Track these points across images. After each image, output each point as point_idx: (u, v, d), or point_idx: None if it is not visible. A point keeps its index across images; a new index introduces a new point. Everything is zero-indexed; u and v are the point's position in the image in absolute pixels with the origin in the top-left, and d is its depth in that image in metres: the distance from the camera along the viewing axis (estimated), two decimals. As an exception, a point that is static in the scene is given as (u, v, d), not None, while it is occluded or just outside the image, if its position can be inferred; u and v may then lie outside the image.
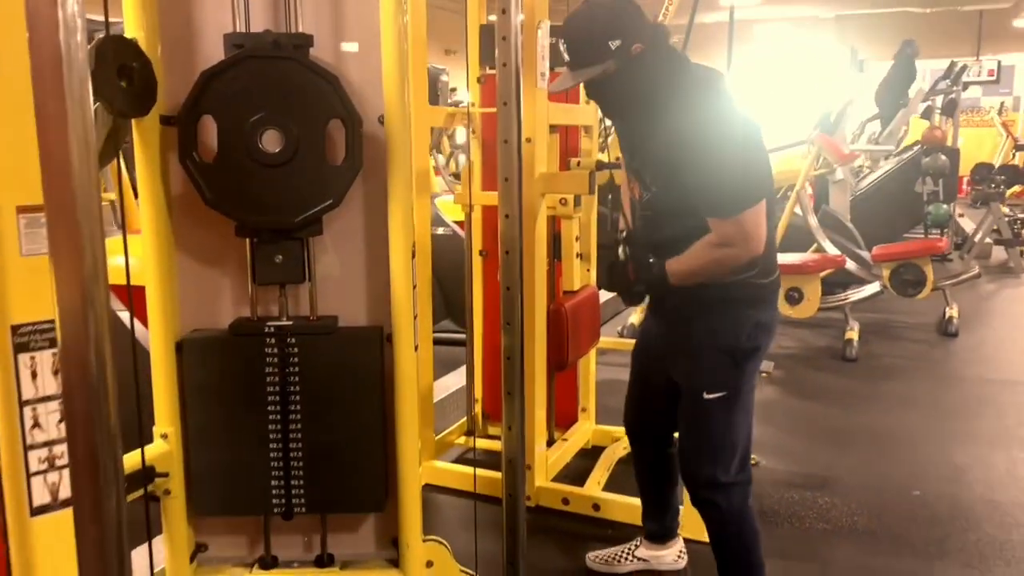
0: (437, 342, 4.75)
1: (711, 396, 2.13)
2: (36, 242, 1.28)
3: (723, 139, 1.96)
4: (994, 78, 15.49)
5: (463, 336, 3.72)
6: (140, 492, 2.15)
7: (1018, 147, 13.66)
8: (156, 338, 2.16)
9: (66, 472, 1.34)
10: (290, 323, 2.16)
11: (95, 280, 1.16)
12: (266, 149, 2.02)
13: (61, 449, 1.36)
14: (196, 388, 2.17)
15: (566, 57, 2.08)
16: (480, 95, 3.32)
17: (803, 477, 3.38)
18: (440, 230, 5.23)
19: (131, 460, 2.11)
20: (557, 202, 3.06)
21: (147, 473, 2.13)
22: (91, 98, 1.18)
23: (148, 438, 2.19)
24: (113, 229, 3.76)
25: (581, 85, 2.27)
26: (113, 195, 4.20)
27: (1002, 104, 15.20)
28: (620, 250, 2.21)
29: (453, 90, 5.49)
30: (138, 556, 2.39)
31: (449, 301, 5.38)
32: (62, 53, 1.13)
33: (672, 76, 2.04)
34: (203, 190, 2.03)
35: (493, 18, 2.38)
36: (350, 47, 2.13)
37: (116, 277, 3.30)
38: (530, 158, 2.96)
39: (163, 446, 2.18)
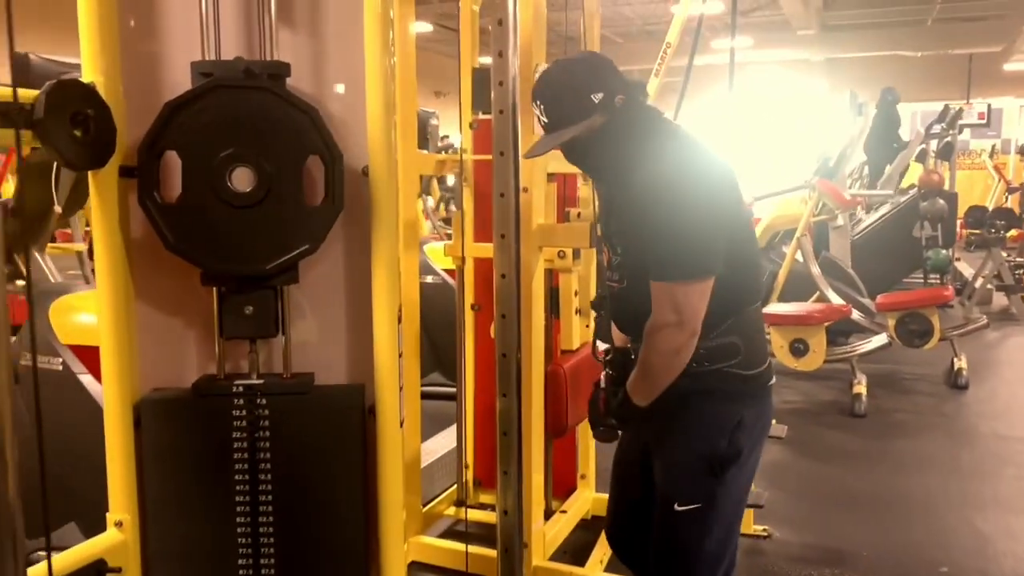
0: (425, 396, 4.53)
1: (683, 508, 1.86)
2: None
3: (691, 199, 1.74)
4: (984, 121, 15.53)
5: (453, 390, 3.50)
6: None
7: (1011, 190, 13.66)
8: (111, 405, 1.92)
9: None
10: (261, 381, 1.92)
11: None
12: (236, 188, 1.79)
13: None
14: (156, 456, 1.92)
15: (543, 120, 1.87)
16: (472, 141, 3.13)
17: (818, 551, 3.14)
18: (429, 278, 5.03)
19: (80, 553, 1.88)
20: (555, 255, 2.85)
21: (96, 568, 1.89)
22: None
23: (100, 514, 1.96)
24: (81, 283, 3.55)
25: None
26: (82, 246, 3.99)
27: (993, 147, 15.22)
28: (602, 375, 2.02)
29: (445, 137, 5.33)
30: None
31: (438, 353, 5.16)
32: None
33: (650, 130, 1.85)
34: (164, 234, 1.80)
35: (485, 60, 2.20)
36: (332, 81, 1.93)
37: (83, 337, 3.04)
38: (527, 209, 2.75)
39: (116, 535, 1.93)
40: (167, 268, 1.87)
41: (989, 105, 15.65)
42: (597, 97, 1.78)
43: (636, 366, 1.85)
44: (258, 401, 1.91)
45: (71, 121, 1.74)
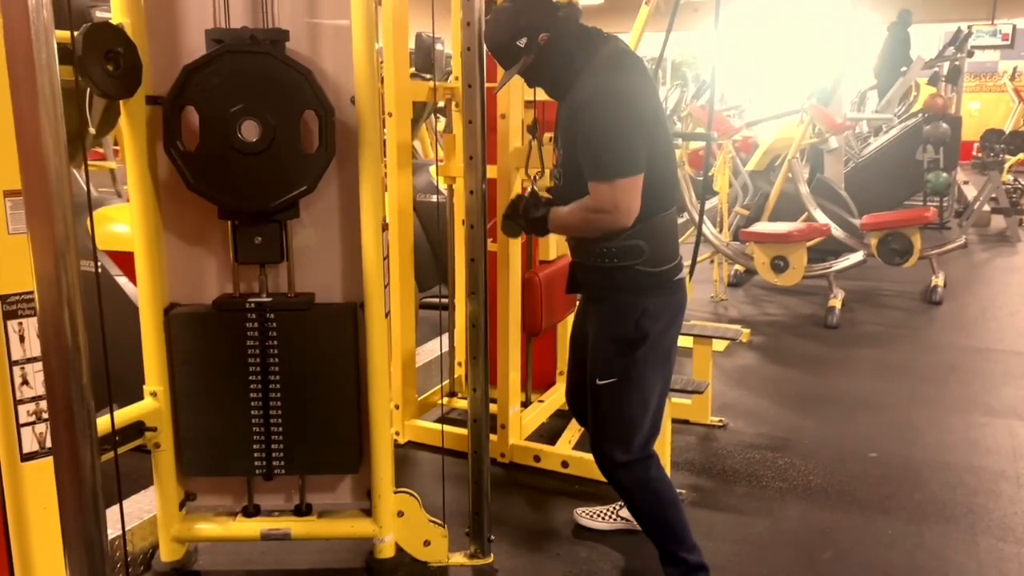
0: (428, 306, 4.95)
1: (602, 382, 2.27)
2: (21, 222, 1.45)
3: (612, 110, 2.09)
4: (1008, 42, 15.36)
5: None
6: (132, 444, 2.36)
7: (1030, 113, 13.58)
8: (145, 305, 2.35)
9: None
10: (270, 299, 2.35)
11: (66, 255, 1.33)
12: (245, 138, 2.19)
13: (46, 405, 1.54)
14: (183, 358, 2.37)
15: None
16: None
17: (767, 439, 3.55)
18: (434, 197, 5.37)
19: (124, 415, 2.33)
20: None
21: (137, 427, 2.34)
22: (60, 97, 1.34)
23: (135, 400, 2.39)
24: (114, 197, 3.94)
25: None
26: (114, 164, 4.37)
27: (1015, 69, 15.02)
28: (530, 187, 2.42)
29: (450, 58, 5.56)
30: (132, 504, 2.62)
31: (443, 267, 5.54)
32: (34, 58, 1.31)
33: (581, 55, 2.19)
34: (186, 176, 2.21)
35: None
36: (323, 37, 2.28)
37: (118, 243, 3.46)
38: (504, 133, 3.12)
39: (152, 403, 2.38)
40: (189, 202, 2.27)
41: (1014, 26, 15.48)
42: (522, 42, 2.18)
43: (568, 211, 2.22)
44: (268, 316, 2.34)
45: (104, 57, 2.11)
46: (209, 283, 2.42)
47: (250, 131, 2.19)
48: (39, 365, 1.53)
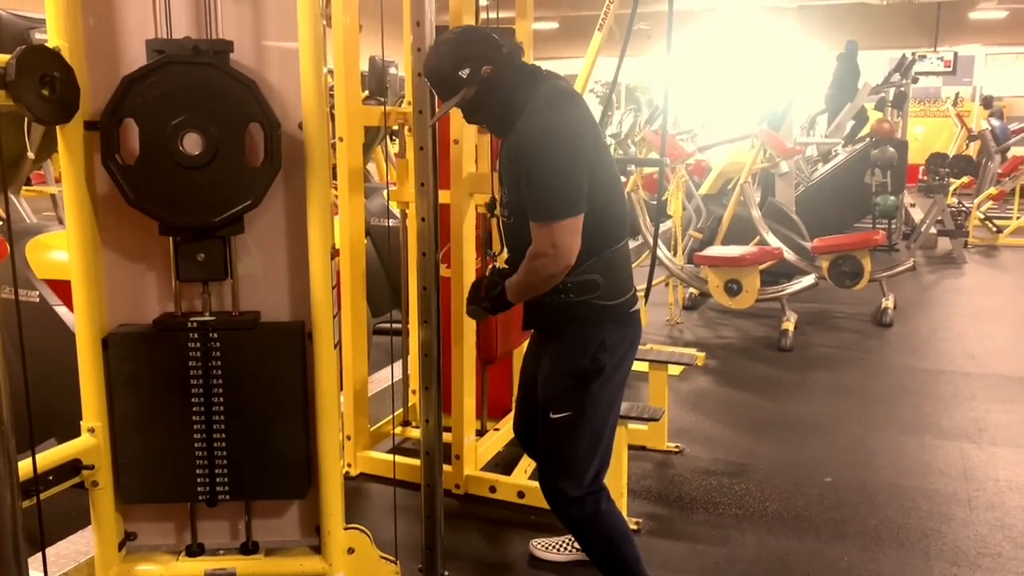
0: (380, 332, 4.87)
1: (556, 416, 2.22)
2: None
3: (551, 150, 2.05)
4: (950, 69, 15.81)
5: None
6: (70, 483, 2.25)
7: (971, 137, 13.96)
8: (82, 334, 2.25)
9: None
10: (212, 318, 2.26)
11: None
12: (187, 151, 2.11)
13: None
14: (122, 381, 2.27)
15: (435, 92, 2.22)
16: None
17: (723, 464, 3.54)
18: (390, 222, 5.32)
19: (60, 453, 2.22)
20: (485, 200, 3.16)
21: (73, 465, 2.23)
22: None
23: (76, 431, 2.29)
24: (55, 224, 3.82)
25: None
26: (55, 189, 4.24)
27: (957, 95, 15.47)
28: (490, 267, 2.37)
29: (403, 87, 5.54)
30: (68, 545, 2.50)
31: (397, 292, 5.48)
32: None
33: (523, 92, 2.16)
34: (126, 191, 2.12)
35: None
36: (270, 52, 2.22)
37: (57, 272, 3.35)
38: (458, 159, 3.08)
39: (90, 440, 2.28)
40: (129, 219, 2.18)
41: (956, 53, 15.97)
42: (464, 73, 2.12)
43: (516, 274, 2.19)
44: (211, 335, 2.25)
45: (40, 82, 2.03)
46: (150, 303, 2.32)
47: (192, 144, 2.11)
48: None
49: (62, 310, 3.07)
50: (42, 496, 2.02)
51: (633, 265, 5.75)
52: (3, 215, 3.44)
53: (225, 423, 2.30)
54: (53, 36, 2.13)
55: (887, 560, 2.77)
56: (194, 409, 2.29)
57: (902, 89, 9.45)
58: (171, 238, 2.22)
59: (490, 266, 2.41)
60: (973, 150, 13.64)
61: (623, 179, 5.54)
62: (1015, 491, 3.26)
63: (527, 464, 3.34)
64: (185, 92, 2.09)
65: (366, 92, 5.21)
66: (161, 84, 2.08)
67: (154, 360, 2.28)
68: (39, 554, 1.83)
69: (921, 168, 13.65)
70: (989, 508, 3.13)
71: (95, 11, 2.17)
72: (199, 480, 2.31)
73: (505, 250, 2.39)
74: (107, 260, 2.28)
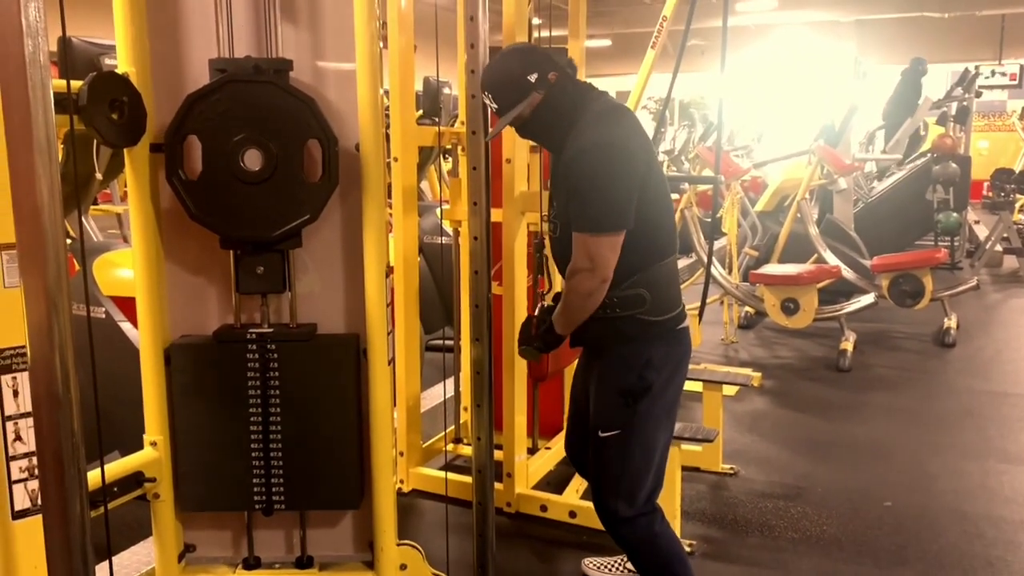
0: (433, 348, 4.91)
1: (606, 434, 2.21)
2: (14, 276, 1.43)
3: (601, 163, 2.05)
4: (1016, 82, 15.41)
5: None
6: (133, 495, 2.32)
7: (1039, 152, 13.55)
8: (146, 347, 2.33)
9: (43, 481, 1.49)
10: (271, 330, 2.32)
11: (58, 307, 1.32)
12: (247, 167, 2.18)
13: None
14: (183, 391, 2.34)
15: (493, 107, 2.21)
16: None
17: (779, 487, 3.48)
18: (443, 240, 5.37)
19: (123, 465, 2.29)
20: (538, 219, 3.18)
21: (136, 478, 2.30)
22: (56, 150, 1.34)
23: (139, 444, 2.36)
24: (120, 242, 3.95)
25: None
26: (121, 208, 4.39)
27: (1023, 108, 15.04)
28: (538, 306, 2.37)
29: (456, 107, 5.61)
30: (130, 555, 2.57)
31: (449, 309, 5.52)
32: (30, 112, 1.30)
33: (579, 105, 2.16)
34: (188, 206, 2.19)
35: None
36: (328, 72, 2.28)
37: (122, 289, 3.45)
38: (510, 178, 3.10)
39: (152, 453, 2.35)
40: (191, 233, 2.25)
41: (1021, 65, 15.55)
42: (532, 77, 2.13)
43: (560, 302, 2.20)
44: (269, 347, 2.31)
45: (109, 106, 2.11)
46: (211, 315, 2.39)
47: (253, 160, 2.17)
48: (32, 420, 1.50)
49: (126, 326, 3.16)
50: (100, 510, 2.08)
51: (687, 283, 5.71)
52: (74, 234, 3.58)
53: (281, 433, 2.34)
54: (123, 62, 2.22)
55: (949, 588, 2.70)
56: (251, 419, 2.34)
57: (964, 103, 9.25)
58: (232, 252, 2.29)
59: (539, 305, 2.41)
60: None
61: (676, 196, 5.52)
62: (1086, 519, 3.15)
63: (579, 483, 3.32)
64: (246, 109, 2.15)
65: (420, 112, 5.28)
66: (223, 102, 2.15)
67: (214, 371, 2.34)
68: (105, 563, 1.87)
69: (986, 184, 13.32)
70: (1058, 536, 3.02)
71: (161, 35, 2.26)
72: (255, 489, 2.36)
73: (552, 287, 2.40)
74: (170, 273, 2.36)
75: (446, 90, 5.55)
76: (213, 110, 2.14)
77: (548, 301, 2.41)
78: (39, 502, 1.53)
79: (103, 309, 3.20)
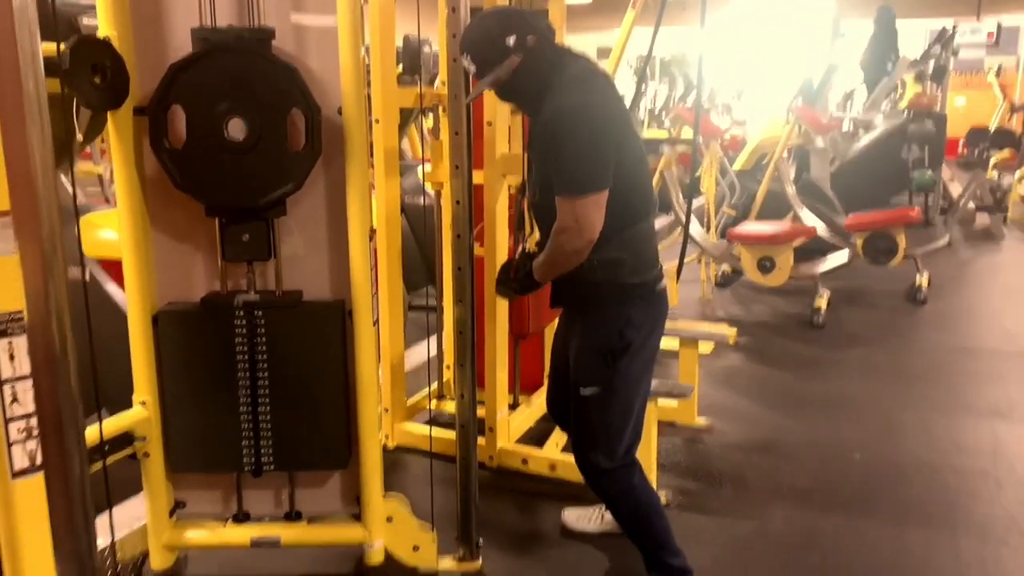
0: (416, 308, 4.96)
1: (586, 392, 2.30)
2: (10, 241, 1.46)
3: (578, 126, 2.09)
4: (993, 41, 15.46)
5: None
6: (123, 453, 2.37)
7: (1014, 110, 13.67)
8: (133, 311, 2.36)
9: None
10: (257, 297, 2.36)
11: (54, 272, 1.36)
12: (232, 136, 2.20)
13: (36, 421, 1.56)
14: (172, 357, 2.38)
15: (472, 69, 2.24)
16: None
17: (752, 440, 3.59)
18: (423, 199, 5.38)
19: (112, 425, 2.34)
20: (519, 181, 3.21)
21: (126, 437, 2.35)
22: (47, 117, 1.37)
23: (125, 404, 2.41)
24: (102, 203, 3.94)
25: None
26: (101, 168, 4.37)
27: (1000, 66, 15.10)
28: (519, 250, 2.42)
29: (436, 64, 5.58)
30: (121, 512, 2.63)
31: (431, 268, 5.56)
32: (21, 78, 1.32)
33: (557, 69, 2.20)
34: (173, 175, 2.22)
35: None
36: (309, 38, 2.29)
37: (105, 250, 3.46)
38: (491, 140, 3.13)
39: (142, 412, 2.40)
40: (177, 201, 2.27)
41: (999, 24, 15.58)
42: (511, 40, 2.16)
43: (542, 253, 2.26)
44: (256, 313, 2.35)
45: (91, 70, 2.12)
46: (197, 282, 2.42)
47: (237, 129, 2.19)
48: (29, 383, 1.55)
49: (111, 287, 3.18)
50: (97, 466, 2.13)
51: (665, 242, 5.76)
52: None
53: (269, 397, 2.40)
54: (103, 26, 2.22)
55: (914, 536, 2.82)
56: (240, 383, 2.39)
57: (942, 63, 9.29)
58: (217, 219, 2.32)
59: (520, 248, 2.47)
60: (1016, 123, 13.37)
61: (657, 157, 5.56)
62: (1045, 469, 3.28)
63: (559, 437, 3.41)
64: (229, 79, 2.16)
65: (399, 68, 5.25)
66: (206, 71, 2.16)
67: (202, 337, 2.38)
68: (104, 516, 1.93)
69: (961, 141, 13.43)
70: (1018, 486, 3.15)
71: (143, 1, 2.25)
72: (245, 451, 2.42)
73: (535, 231, 2.45)
74: (156, 240, 2.39)
75: (426, 48, 5.52)
76: (196, 79, 2.16)
77: (531, 246, 2.46)
78: (38, 461, 1.58)
79: (88, 271, 3.21)
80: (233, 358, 2.37)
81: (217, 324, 2.35)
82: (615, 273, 2.21)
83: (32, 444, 1.57)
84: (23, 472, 1.57)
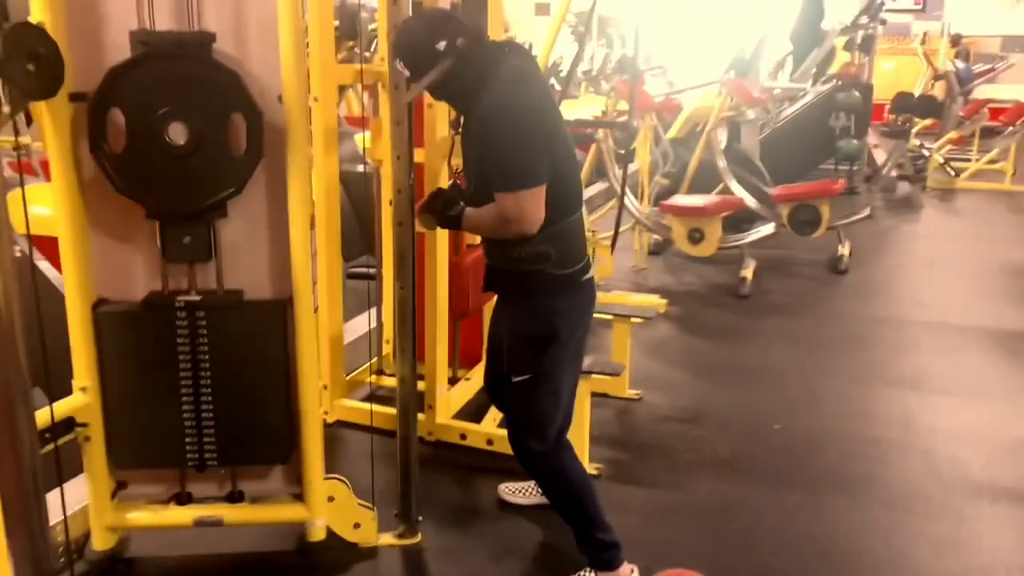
0: (354, 276, 4.98)
1: (517, 379, 2.40)
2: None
3: (513, 125, 2.16)
4: (920, 7, 15.87)
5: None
6: (64, 439, 2.38)
7: (937, 77, 14.07)
8: (72, 301, 2.36)
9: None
10: (198, 298, 2.37)
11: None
12: (172, 140, 2.20)
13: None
14: (112, 355, 2.40)
15: (406, 74, 2.29)
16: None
17: (680, 411, 3.75)
18: (361, 167, 5.36)
19: (56, 410, 2.34)
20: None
21: (67, 423, 2.36)
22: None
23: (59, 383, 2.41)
24: (30, 177, 3.84)
25: None
26: (27, 138, 4.24)
27: (925, 34, 15.51)
28: (450, 184, 2.50)
29: (373, 28, 5.52)
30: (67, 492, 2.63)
31: (368, 237, 5.56)
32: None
33: (489, 68, 2.24)
34: (113, 179, 2.22)
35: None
36: (250, 35, 2.28)
37: (37, 227, 3.41)
38: (431, 123, 3.16)
39: (82, 398, 2.41)
40: (117, 201, 2.26)
41: (926, -11, 15.93)
42: (441, 46, 2.21)
43: (481, 212, 2.29)
44: (197, 313, 2.36)
45: (25, 57, 2.08)
46: (136, 278, 2.42)
47: (177, 133, 2.20)
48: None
49: (44, 264, 3.14)
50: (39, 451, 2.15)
51: (600, 212, 5.82)
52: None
53: (212, 394, 2.43)
54: (36, 11, 2.18)
55: (828, 504, 3.01)
56: (182, 382, 2.41)
57: (869, 31, 9.51)
58: (158, 221, 2.32)
59: (453, 181, 2.51)
60: (939, 90, 13.79)
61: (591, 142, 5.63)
62: (948, 439, 3.51)
63: (496, 413, 3.51)
64: (170, 83, 2.16)
65: (336, 24, 5.18)
66: (146, 76, 2.15)
67: (143, 337, 2.39)
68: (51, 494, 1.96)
69: (887, 107, 13.83)
70: (924, 455, 3.38)
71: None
72: (188, 447, 2.46)
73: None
74: (94, 236, 2.37)
75: (363, 14, 5.46)
76: (136, 83, 2.15)
77: (464, 183, 2.51)
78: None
79: (19, 248, 3.15)
80: (175, 357, 2.39)
81: (159, 325, 2.37)
82: (541, 266, 2.29)
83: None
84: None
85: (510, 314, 2.43)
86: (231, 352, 2.39)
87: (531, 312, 2.36)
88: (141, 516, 2.56)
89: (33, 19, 2.17)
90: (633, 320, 3.88)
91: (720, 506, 3.00)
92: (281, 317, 2.39)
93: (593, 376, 3.20)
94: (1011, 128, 10.01)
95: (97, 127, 2.15)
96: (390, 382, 3.72)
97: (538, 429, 2.43)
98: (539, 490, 2.95)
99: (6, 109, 3.37)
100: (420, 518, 2.75)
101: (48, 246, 2.72)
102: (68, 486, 2.69)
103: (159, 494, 2.59)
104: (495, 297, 2.74)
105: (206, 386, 2.41)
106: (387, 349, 3.89)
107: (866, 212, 6.27)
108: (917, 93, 12.86)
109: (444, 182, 3.25)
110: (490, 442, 3.32)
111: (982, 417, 3.73)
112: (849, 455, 3.37)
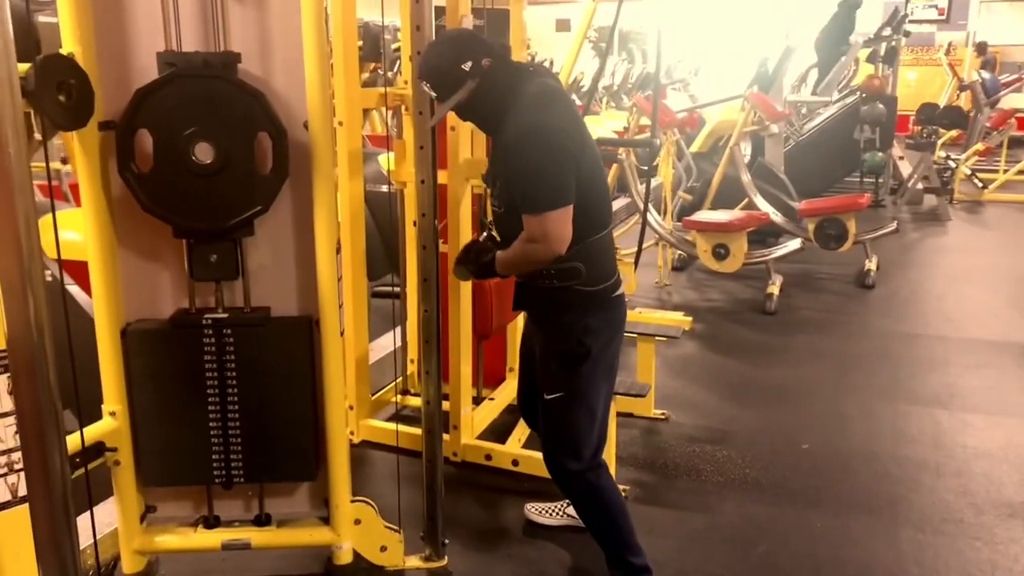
0: (379, 295, 5.00)
1: (550, 396, 2.40)
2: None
3: (540, 147, 2.18)
4: (943, 17, 15.75)
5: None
6: (94, 464, 2.40)
7: (962, 87, 13.95)
8: (101, 325, 2.38)
9: (22, 475, 1.59)
10: (226, 315, 2.40)
11: (35, 310, 1.42)
12: (199, 160, 2.23)
13: (17, 456, 1.60)
14: (141, 373, 2.42)
15: (432, 94, 2.31)
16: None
17: (706, 431, 3.72)
18: (385, 188, 5.40)
19: (86, 435, 2.36)
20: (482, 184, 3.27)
21: (97, 448, 2.39)
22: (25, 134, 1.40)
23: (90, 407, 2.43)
24: (63, 203, 3.91)
25: None
26: (58, 164, 4.32)
27: (950, 44, 15.39)
28: (483, 234, 2.52)
29: (396, 49, 5.57)
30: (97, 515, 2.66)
31: (393, 257, 5.59)
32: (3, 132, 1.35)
33: (514, 89, 2.27)
34: (141, 198, 2.24)
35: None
36: (275, 58, 2.30)
37: (67, 252, 3.47)
38: (455, 145, 3.18)
39: (111, 423, 2.43)
40: (145, 221, 2.29)
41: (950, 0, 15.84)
42: (467, 66, 2.23)
43: (509, 250, 2.33)
44: (224, 331, 2.38)
45: (57, 88, 2.12)
46: (165, 298, 2.45)
47: (204, 153, 2.22)
48: (9, 420, 1.59)
49: (74, 289, 3.18)
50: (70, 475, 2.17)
51: (623, 229, 5.81)
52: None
53: (239, 411, 2.44)
54: (67, 42, 2.21)
55: (856, 526, 2.97)
56: (209, 399, 2.43)
57: (893, 44, 9.46)
58: (185, 240, 2.34)
59: (485, 233, 2.53)
60: (964, 101, 13.65)
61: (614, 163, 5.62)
62: (981, 458, 3.46)
63: (521, 433, 3.51)
64: (196, 104, 2.19)
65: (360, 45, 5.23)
66: (173, 96, 2.18)
67: (171, 355, 2.42)
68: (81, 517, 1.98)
69: (911, 118, 13.72)
70: (955, 475, 3.33)
71: (106, 19, 2.25)
72: (215, 465, 2.47)
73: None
74: (123, 258, 2.40)
75: (386, 36, 5.51)
76: (163, 104, 2.18)
77: (496, 233, 2.52)
78: (19, 494, 1.63)
79: (49, 272, 3.20)
80: (202, 375, 2.41)
81: (186, 343, 2.39)
82: (571, 282, 2.29)
83: (13, 478, 1.62)
84: (4, 506, 1.62)
85: (541, 331, 2.44)
86: (258, 369, 2.41)
87: (562, 329, 2.36)
88: (170, 539, 2.57)
89: (64, 50, 2.21)
90: (658, 339, 3.86)
91: (748, 529, 2.97)
92: (308, 334, 2.40)
93: (618, 396, 3.20)
94: (1039, 139, 9.89)
95: (126, 148, 2.18)
96: (415, 402, 3.73)
97: (573, 448, 2.43)
98: (566, 510, 2.94)
99: (37, 137, 3.44)
100: (446, 540, 2.74)
101: (78, 271, 2.75)
102: (98, 509, 2.74)
103: (187, 516, 2.61)
104: (519, 316, 2.74)
105: (233, 402, 2.42)
106: (412, 368, 3.90)
107: (893, 226, 6.21)
108: (942, 104, 12.79)
109: (467, 205, 3.27)
110: (516, 463, 3.31)
111: (1015, 435, 3.67)
112: (879, 475, 3.33)
